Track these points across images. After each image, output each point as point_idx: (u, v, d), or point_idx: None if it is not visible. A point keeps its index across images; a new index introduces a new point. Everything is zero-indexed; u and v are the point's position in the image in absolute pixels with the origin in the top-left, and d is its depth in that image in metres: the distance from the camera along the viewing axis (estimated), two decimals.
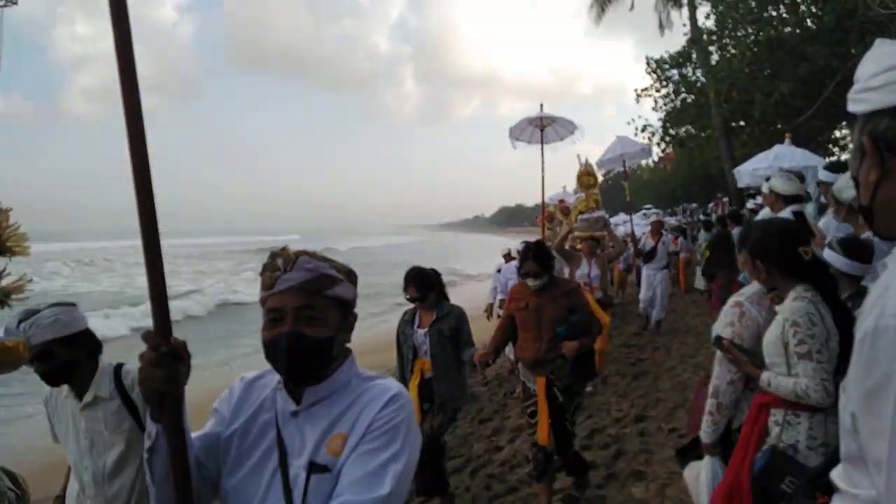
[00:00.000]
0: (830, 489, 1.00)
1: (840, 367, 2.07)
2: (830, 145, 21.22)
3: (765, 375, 2.20)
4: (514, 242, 7.66)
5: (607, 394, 6.49)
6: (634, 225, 11.57)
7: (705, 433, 2.44)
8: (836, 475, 0.95)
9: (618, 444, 4.95)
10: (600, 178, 9.59)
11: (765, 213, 5.59)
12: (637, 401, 6.05)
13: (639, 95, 20.81)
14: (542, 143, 7.76)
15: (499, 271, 8.22)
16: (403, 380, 3.91)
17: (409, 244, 70.96)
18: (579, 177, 7.58)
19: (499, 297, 7.85)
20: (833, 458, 1.02)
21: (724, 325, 2.41)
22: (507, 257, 8.41)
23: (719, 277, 10.08)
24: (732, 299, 2.46)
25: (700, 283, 12.01)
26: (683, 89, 19.89)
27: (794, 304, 2.09)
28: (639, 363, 7.69)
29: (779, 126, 18.31)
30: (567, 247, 7.27)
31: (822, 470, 1.04)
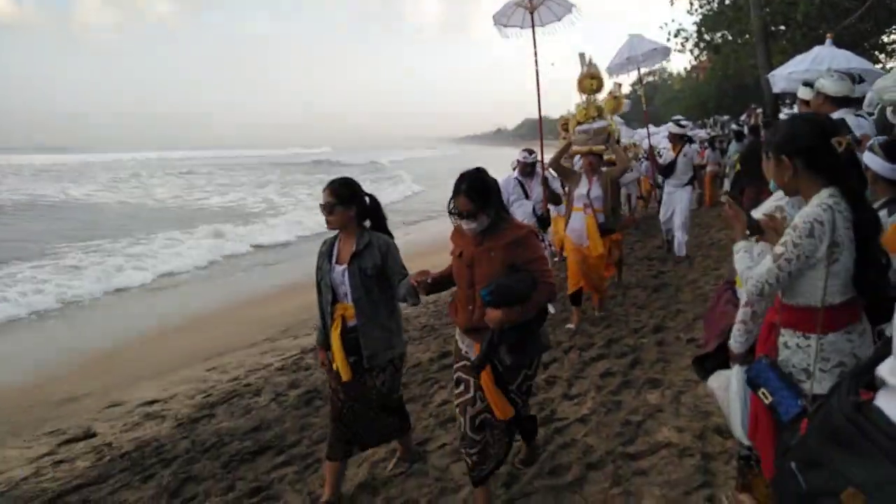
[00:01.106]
0: (873, 385, 0.94)
1: (857, 277, 1.95)
2: (877, 52, 19.95)
3: (742, 244, 2.13)
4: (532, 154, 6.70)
5: (626, 304, 6.48)
6: (660, 137, 11.04)
7: (737, 343, 2.38)
8: (887, 370, 0.88)
9: (635, 353, 4.98)
10: (618, 87, 8.64)
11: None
12: (656, 312, 6.04)
13: None
14: (533, 26, 6.36)
15: None
16: (325, 326, 3.23)
17: (431, 158, 70.17)
18: (580, 80, 6.45)
19: None
20: (878, 357, 0.95)
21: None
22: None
23: (748, 191, 9.82)
24: (771, 203, 2.33)
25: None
26: None
27: (809, 208, 1.95)
28: (660, 275, 7.63)
29: (821, 31, 17.20)
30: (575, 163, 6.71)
31: (867, 365, 0.96)
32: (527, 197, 6.31)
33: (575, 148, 6.20)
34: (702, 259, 8.28)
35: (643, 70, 9.87)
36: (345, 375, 3.17)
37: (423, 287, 2.91)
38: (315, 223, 15.14)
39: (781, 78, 5.95)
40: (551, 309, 5.41)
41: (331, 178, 3.22)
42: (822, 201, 1.92)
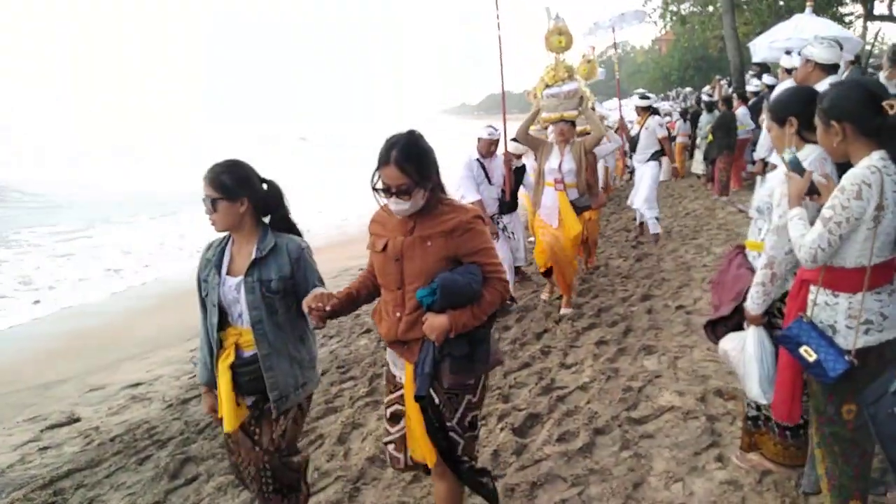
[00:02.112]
0: None
1: None
2: (836, 23, 20.37)
3: (798, 210, 2.12)
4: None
5: (611, 275, 6.55)
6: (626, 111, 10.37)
7: (755, 304, 2.40)
8: None
9: (626, 321, 5.04)
10: (592, 49, 8.16)
11: (783, 87, 5.36)
12: (642, 281, 6.11)
13: None
14: None
15: None
16: (210, 356, 2.45)
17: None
18: (547, 37, 5.58)
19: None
20: None
21: (782, 193, 2.30)
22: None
23: (721, 160, 10.00)
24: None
25: (698, 167, 11.91)
26: None
27: (856, 170, 1.97)
28: (639, 246, 7.73)
29: (782, 2, 17.53)
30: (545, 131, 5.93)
31: None
32: (489, 181, 5.42)
33: (544, 115, 5.48)
34: (679, 229, 8.42)
35: (615, 35, 9.57)
36: (229, 424, 2.39)
37: (318, 317, 2.18)
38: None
39: (762, 47, 6.02)
40: (545, 296, 5.38)
41: (215, 164, 2.41)
42: (871, 163, 1.93)
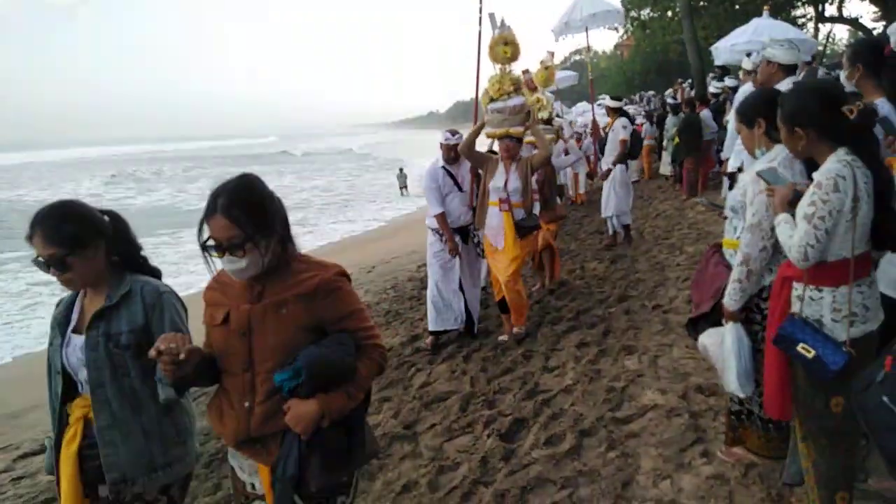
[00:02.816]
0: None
1: (875, 232, 2.06)
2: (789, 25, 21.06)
3: (784, 216, 2.16)
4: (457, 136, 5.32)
5: (587, 278, 6.62)
6: (598, 115, 10.28)
7: (732, 300, 2.46)
8: None
9: (604, 322, 5.10)
10: (550, 55, 7.32)
11: (746, 88, 5.51)
12: (618, 283, 6.19)
13: None
14: None
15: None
16: (59, 430, 2.04)
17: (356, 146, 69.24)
18: (491, 47, 5.05)
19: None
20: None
21: (755, 192, 2.36)
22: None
23: (688, 161, 10.22)
24: (762, 165, 2.40)
25: (666, 168, 12.15)
26: None
27: (829, 165, 2.04)
28: (613, 247, 7.82)
29: (738, 7, 18.06)
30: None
31: None
32: (459, 188, 5.16)
33: (488, 130, 5.03)
34: (651, 230, 8.55)
35: (571, 41, 9.79)
36: None
37: (169, 365, 1.64)
38: None
39: (724, 50, 6.19)
40: (504, 337, 5.04)
41: (40, 210, 1.96)
42: (840, 158, 2.00)
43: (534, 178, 5.16)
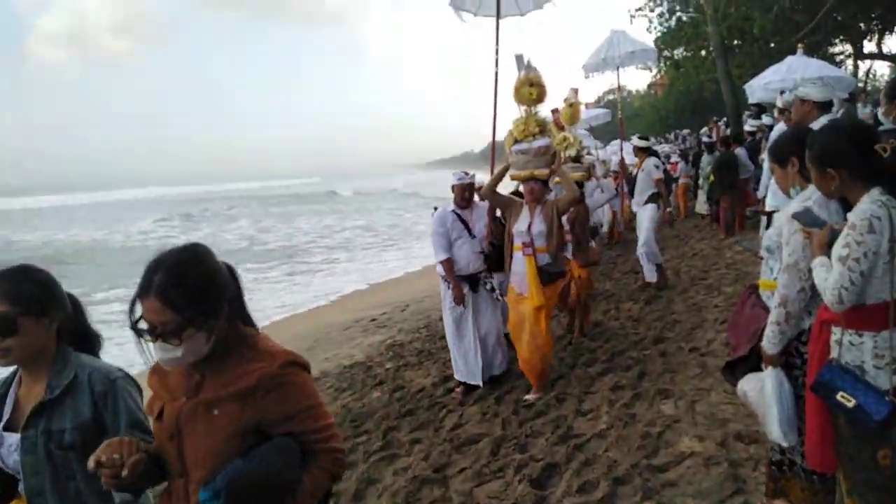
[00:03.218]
0: None
1: None
2: (827, 62, 20.87)
3: (822, 258, 2.12)
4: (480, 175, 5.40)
5: (622, 319, 6.52)
6: (626, 154, 9.97)
7: (771, 344, 2.39)
8: None
9: (640, 365, 4.99)
10: (574, 93, 7.15)
11: (780, 127, 5.45)
12: (653, 324, 6.08)
13: (633, 16, 20.22)
14: (497, 14, 5.51)
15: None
16: None
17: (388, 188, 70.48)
18: (517, 88, 4.95)
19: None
20: None
21: (791, 232, 2.32)
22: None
23: (724, 199, 10.08)
24: (797, 204, 2.36)
25: (702, 207, 12.00)
26: (678, 8, 19.31)
27: (863, 206, 1.99)
28: (648, 288, 7.70)
29: (773, 45, 17.99)
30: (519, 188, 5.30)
31: None
32: (470, 233, 4.98)
33: (513, 172, 4.90)
34: (687, 269, 8.40)
35: (606, 79, 9.80)
36: None
37: (111, 479, 1.43)
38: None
39: (758, 88, 6.16)
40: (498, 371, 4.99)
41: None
42: (874, 199, 1.96)
43: (565, 218, 5.00)
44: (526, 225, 4.68)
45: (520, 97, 4.95)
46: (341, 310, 10.39)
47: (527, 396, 4.70)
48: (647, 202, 7.67)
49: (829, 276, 2.01)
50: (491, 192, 4.85)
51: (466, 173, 5.15)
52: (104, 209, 45.93)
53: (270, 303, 11.36)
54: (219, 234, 26.14)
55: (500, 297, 5.12)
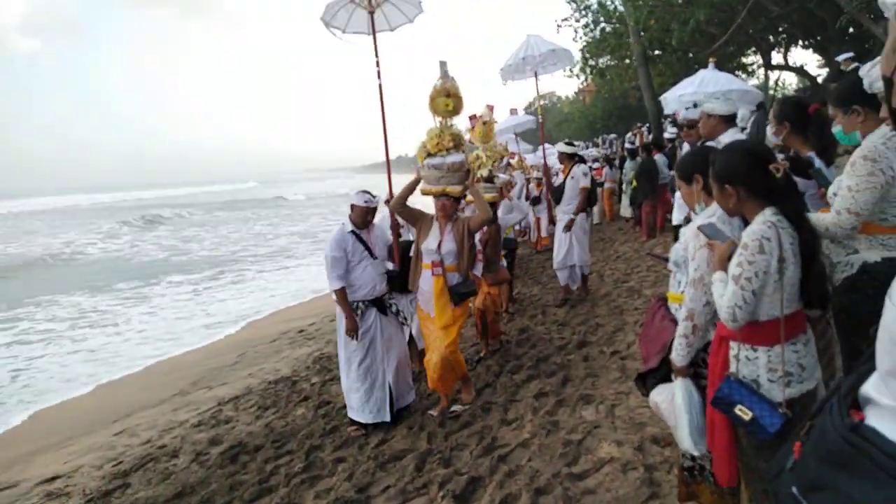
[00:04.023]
0: (858, 404, 0.97)
1: (806, 289, 2.08)
2: (740, 71, 22.00)
3: (718, 274, 2.19)
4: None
5: (548, 323, 6.61)
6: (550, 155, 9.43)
7: (679, 356, 2.44)
8: (874, 390, 0.91)
9: (564, 370, 5.07)
10: (489, 109, 6.66)
11: (688, 146, 5.66)
12: (578, 328, 6.20)
13: (559, 26, 20.68)
14: (373, 31, 5.28)
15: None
16: None
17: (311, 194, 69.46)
18: (433, 98, 4.67)
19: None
20: (860, 376, 0.98)
21: (696, 247, 2.38)
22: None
23: (646, 204, 10.45)
24: (702, 220, 2.42)
25: (626, 211, 12.39)
26: (603, 18, 19.92)
27: (754, 227, 2.07)
28: (567, 302, 7.83)
29: (691, 55, 18.84)
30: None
31: (852, 384, 1.00)
32: (371, 255, 4.69)
33: (423, 187, 4.65)
34: (611, 272, 8.64)
35: (540, 80, 8.96)
36: None
37: None
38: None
39: (672, 100, 6.37)
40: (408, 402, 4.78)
41: None
42: (766, 219, 2.03)
43: (477, 238, 4.89)
44: (436, 243, 4.53)
45: (435, 108, 4.67)
46: (270, 321, 10.10)
47: (454, 408, 4.66)
48: (577, 211, 7.38)
49: (724, 294, 2.08)
50: (400, 206, 4.63)
51: (373, 197, 4.76)
52: (24, 219, 43.11)
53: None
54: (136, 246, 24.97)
55: (405, 320, 4.94)
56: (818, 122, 3.01)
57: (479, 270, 5.08)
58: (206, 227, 30.56)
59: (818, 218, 2.55)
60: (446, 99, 4.63)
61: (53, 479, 4.75)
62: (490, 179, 6.18)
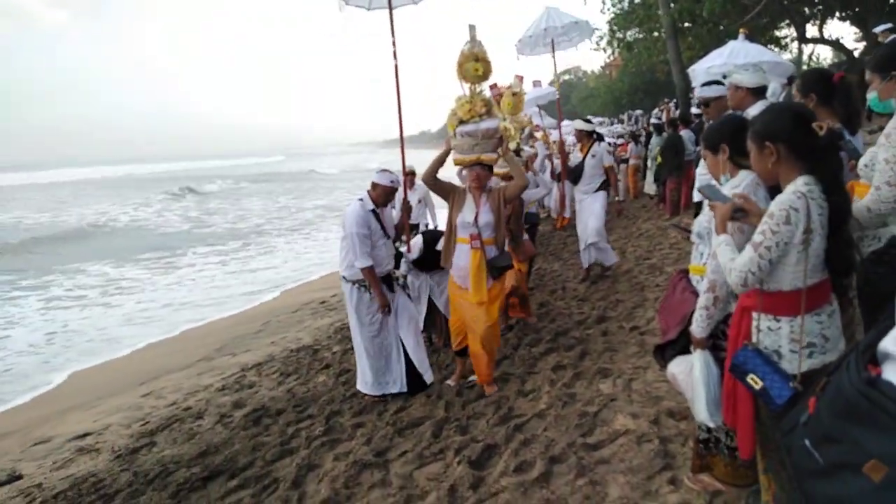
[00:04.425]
0: (876, 360, 0.97)
1: (832, 257, 2.05)
2: (773, 45, 21.37)
3: (724, 237, 2.17)
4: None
5: (567, 298, 6.61)
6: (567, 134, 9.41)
7: (699, 327, 2.44)
8: (892, 345, 0.91)
9: (582, 344, 5.08)
10: (518, 80, 6.47)
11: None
12: (597, 303, 6.19)
13: None
14: (389, 6, 5.27)
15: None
16: None
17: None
18: (461, 63, 4.51)
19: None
20: (879, 332, 0.98)
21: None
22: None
23: (671, 180, 10.29)
24: (727, 191, 2.40)
25: (651, 188, 12.22)
26: None
27: (784, 196, 2.03)
28: (594, 267, 7.82)
29: (722, 27, 18.34)
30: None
31: (870, 341, 1.00)
32: (386, 234, 4.69)
33: (457, 156, 4.45)
34: (633, 249, 8.57)
35: (562, 54, 9.21)
36: None
37: None
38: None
39: (701, 72, 6.25)
40: (428, 379, 4.71)
41: None
42: (796, 189, 1.99)
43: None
44: (472, 216, 4.33)
45: (464, 73, 4.47)
46: (296, 292, 10.26)
47: (471, 378, 4.72)
48: (598, 189, 7.16)
49: (735, 257, 2.06)
50: (432, 178, 4.45)
51: (397, 178, 4.74)
52: (55, 189, 44.02)
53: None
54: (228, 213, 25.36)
55: (406, 288, 4.92)
56: (843, 92, 2.94)
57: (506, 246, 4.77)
58: (260, 195, 32.52)
59: (856, 208, 2.49)
60: (475, 64, 4.44)
61: (84, 435, 4.94)
62: (517, 152, 6.01)
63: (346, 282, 4.62)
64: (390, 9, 5.24)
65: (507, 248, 4.63)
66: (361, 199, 4.63)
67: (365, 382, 4.69)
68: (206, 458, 4.13)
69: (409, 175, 6.73)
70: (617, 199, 7.16)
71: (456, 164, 4.54)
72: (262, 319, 8.23)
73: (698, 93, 4.34)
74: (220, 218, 23.55)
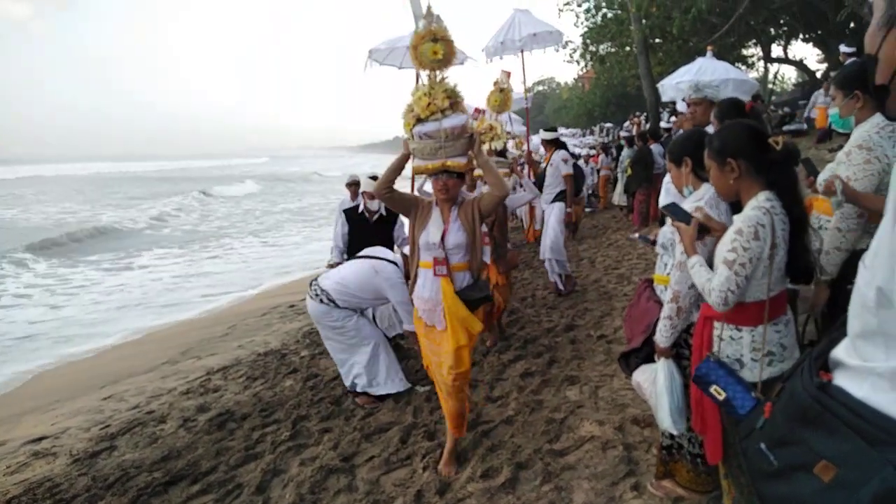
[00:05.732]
0: (828, 367, 1.02)
1: (793, 267, 2.13)
2: (739, 63, 22.01)
3: (696, 258, 2.23)
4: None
5: (537, 307, 6.67)
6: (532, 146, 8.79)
7: (663, 337, 2.49)
8: (843, 353, 0.95)
9: (550, 352, 5.13)
10: (506, 75, 5.92)
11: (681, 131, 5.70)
12: (566, 312, 6.26)
13: (560, 10, 20.61)
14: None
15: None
16: None
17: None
18: (415, 45, 3.37)
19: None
20: (831, 341, 1.03)
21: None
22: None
23: (640, 193, 10.49)
24: (689, 205, 2.46)
25: (620, 199, 12.44)
26: (604, 4, 19.84)
27: (749, 212, 2.10)
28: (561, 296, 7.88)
29: (691, 44, 18.80)
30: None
31: (823, 350, 1.05)
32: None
33: (416, 164, 3.43)
34: (602, 259, 8.70)
35: (534, 68, 9.07)
36: None
37: None
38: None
39: (670, 87, 6.40)
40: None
41: None
42: (759, 204, 2.06)
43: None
44: (438, 235, 3.35)
45: (420, 58, 3.36)
46: (262, 295, 10.13)
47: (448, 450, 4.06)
48: (554, 200, 6.97)
49: (711, 277, 2.12)
50: (387, 190, 3.42)
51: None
52: (48, 184, 42.74)
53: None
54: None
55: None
56: (754, 118, 3.10)
57: (486, 256, 3.78)
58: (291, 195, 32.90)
59: (829, 234, 2.60)
60: (433, 45, 3.31)
61: (41, 439, 4.79)
62: (502, 153, 5.60)
63: (324, 291, 4.50)
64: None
65: (486, 258, 3.62)
66: (358, 205, 4.77)
67: (365, 384, 4.63)
68: (168, 462, 4.04)
69: (352, 185, 6.34)
70: (567, 210, 6.96)
71: (416, 172, 3.57)
72: (229, 322, 8.10)
73: (681, 107, 4.51)
74: (185, 219, 23.20)
